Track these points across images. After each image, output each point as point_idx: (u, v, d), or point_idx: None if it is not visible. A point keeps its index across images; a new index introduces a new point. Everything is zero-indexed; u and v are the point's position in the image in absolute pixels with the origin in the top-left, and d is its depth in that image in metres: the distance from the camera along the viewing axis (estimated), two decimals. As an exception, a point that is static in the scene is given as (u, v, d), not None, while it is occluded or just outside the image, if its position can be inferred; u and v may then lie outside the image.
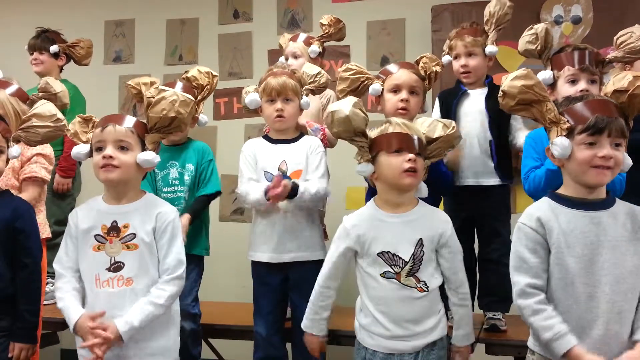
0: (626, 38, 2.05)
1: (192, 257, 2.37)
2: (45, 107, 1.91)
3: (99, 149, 1.83)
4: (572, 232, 1.57)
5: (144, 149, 1.86)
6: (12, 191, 2.09)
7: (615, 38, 2.09)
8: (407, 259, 1.79)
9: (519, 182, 2.15)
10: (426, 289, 1.80)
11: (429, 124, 1.87)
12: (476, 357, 2.26)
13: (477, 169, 2.37)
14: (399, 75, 2.23)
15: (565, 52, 2.08)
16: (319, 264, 2.28)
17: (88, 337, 1.74)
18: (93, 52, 3.32)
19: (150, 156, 1.84)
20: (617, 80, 1.62)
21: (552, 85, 2.09)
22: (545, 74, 2.07)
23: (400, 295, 1.79)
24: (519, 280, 1.60)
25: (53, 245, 2.60)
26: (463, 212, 2.37)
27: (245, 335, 2.47)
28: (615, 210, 1.60)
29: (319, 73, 2.42)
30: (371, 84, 2.27)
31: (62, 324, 2.49)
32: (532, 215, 1.63)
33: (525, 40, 2.19)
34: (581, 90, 1.98)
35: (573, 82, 2.03)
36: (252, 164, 2.30)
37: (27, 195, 2.26)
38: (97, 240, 1.84)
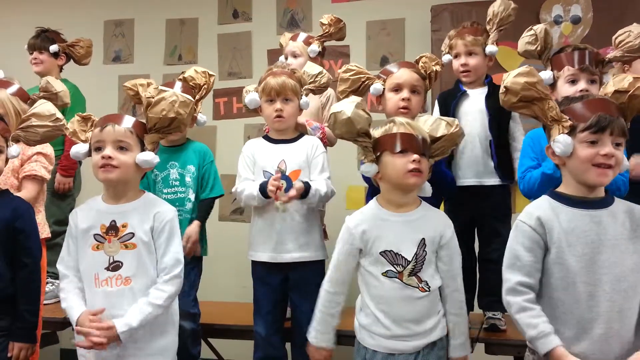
0: (625, 37, 2.05)
1: (192, 258, 2.38)
2: (44, 107, 1.92)
3: (98, 149, 1.83)
4: (573, 231, 1.58)
5: (143, 149, 1.86)
6: (12, 191, 2.09)
7: (613, 37, 2.09)
8: (409, 259, 1.79)
9: (519, 182, 2.16)
10: (428, 289, 1.80)
11: (432, 122, 1.87)
12: (476, 356, 2.26)
13: (478, 168, 2.37)
14: (400, 74, 2.23)
15: (565, 52, 2.09)
16: (319, 264, 2.30)
17: (88, 332, 1.74)
18: (93, 52, 3.32)
19: (149, 156, 1.85)
20: (617, 81, 1.63)
21: (552, 86, 2.09)
22: (545, 74, 2.07)
23: (402, 294, 1.79)
24: (510, 277, 1.61)
25: (53, 245, 2.61)
26: (463, 212, 2.36)
27: (245, 335, 2.47)
28: (614, 208, 1.61)
29: (319, 73, 2.42)
30: (372, 84, 2.27)
31: (62, 324, 2.50)
32: (532, 214, 1.63)
33: (524, 41, 2.19)
34: (581, 90, 1.98)
35: (573, 82, 2.04)
36: (250, 165, 2.30)
37: (25, 192, 2.26)
38: (96, 240, 1.84)
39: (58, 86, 2.18)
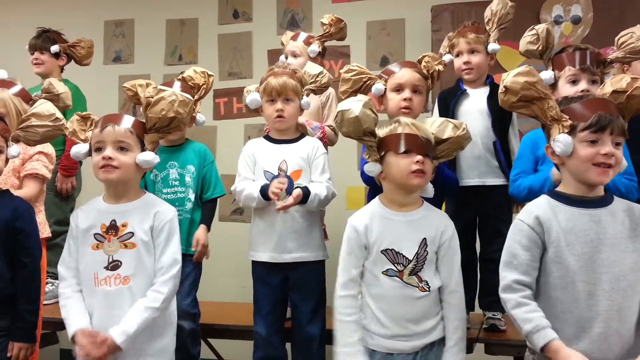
0: (627, 38, 2.05)
1: (192, 258, 2.38)
2: (44, 107, 1.92)
3: (99, 149, 1.83)
4: (572, 230, 1.58)
5: (143, 149, 1.86)
6: (12, 190, 2.09)
7: (616, 38, 2.09)
8: (410, 258, 1.79)
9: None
10: (428, 289, 1.79)
11: (439, 124, 1.85)
12: (475, 357, 2.26)
13: (480, 169, 2.37)
14: (402, 74, 2.23)
15: (566, 52, 2.09)
16: (319, 264, 2.30)
17: (85, 350, 1.74)
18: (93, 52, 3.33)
19: (149, 156, 1.85)
20: (615, 81, 1.63)
21: (553, 86, 2.10)
22: (546, 74, 2.07)
23: (402, 293, 1.78)
24: (506, 275, 1.62)
25: (53, 245, 2.61)
26: (467, 212, 2.37)
27: (244, 335, 2.47)
28: (613, 207, 1.61)
29: (320, 73, 2.41)
30: (373, 84, 2.27)
31: (62, 324, 2.47)
32: (530, 212, 1.63)
33: (526, 40, 2.19)
34: (582, 91, 1.99)
35: (574, 82, 2.04)
36: (250, 164, 2.30)
37: (26, 191, 2.26)
38: (96, 239, 1.84)
39: (60, 88, 2.18)
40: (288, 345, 2.35)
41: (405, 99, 2.20)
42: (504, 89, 1.66)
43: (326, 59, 3.22)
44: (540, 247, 1.60)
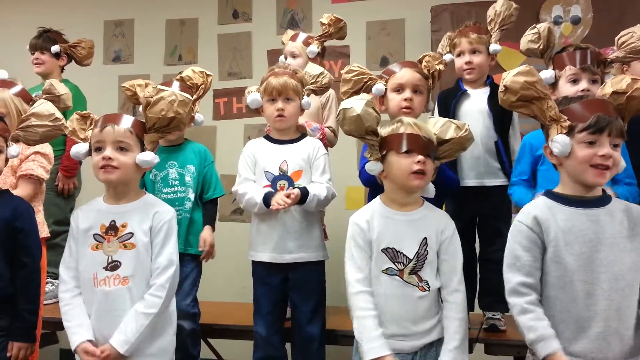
0: (628, 38, 2.05)
1: (192, 257, 2.38)
2: (43, 107, 1.91)
3: (98, 149, 1.83)
4: (570, 230, 1.58)
5: (142, 149, 1.86)
6: (12, 190, 2.09)
7: (616, 38, 2.09)
8: (411, 257, 1.79)
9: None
10: (427, 289, 1.79)
11: (442, 124, 1.85)
12: (475, 357, 2.26)
13: (479, 169, 2.37)
14: (402, 74, 2.23)
15: (567, 52, 2.09)
16: (319, 264, 2.30)
17: None
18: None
19: (149, 156, 1.85)
20: (615, 82, 1.63)
21: (554, 85, 2.10)
22: (547, 73, 2.08)
23: (402, 292, 1.78)
24: (511, 278, 1.62)
25: (52, 245, 2.61)
26: (465, 213, 2.37)
27: (244, 335, 2.47)
28: (611, 207, 1.62)
29: (321, 73, 2.41)
30: (374, 85, 2.27)
31: (62, 324, 2.48)
32: (528, 213, 1.63)
33: (527, 39, 2.19)
34: (582, 90, 1.99)
35: (574, 81, 2.04)
36: (250, 165, 2.30)
37: (20, 191, 2.25)
38: (96, 240, 1.84)
39: (61, 89, 2.18)
40: (288, 345, 2.35)
41: (406, 99, 2.19)
42: (503, 88, 1.66)
43: (326, 59, 3.22)
44: (540, 247, 1.61)
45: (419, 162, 1.76)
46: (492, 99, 2.35)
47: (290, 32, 3.02)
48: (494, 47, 2.42)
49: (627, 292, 1.56)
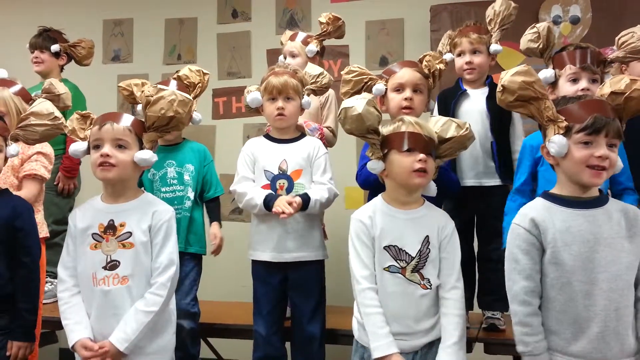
0: (628, 38, 2.05)
1: (192, 257, 2.39)
2: (42, 106, 1.91)
3: (97, 147, 1.83)
4: (568, 231, 1.58)
5: (141, 147, 1.86)
6: (11, 190, 2.09)
7: (616, 38, 2.09)
8: (413, 255, 1.79)
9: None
10: (429, 287, 1.80)
11: (443, 123, 1.86)
12: (475, 356, 2.26)
13: (478, 169, 2.37)
14: (402, 74, 2.23)
15: (567, 51, 2.09)
16: (319, 263, 2.30)
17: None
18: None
19: (147, 155, 1.84)
20: (613, 82, 1.63)
21: (554, 84, 2.10)
22: (547, 73, 2.08)
23: (404, 290, 1.79)
24: (512, 284, 1.63)
25: (51, 244, 2.61)
26: (463, 212, 2.36)
27: (244, 335, 2.47)
28: (609, 207, 1.62)
29: (321, 74, 2.41)
30: (374, 85, 2.27)
31: (61, 323, 2.49)
32: (526, 215, 1.64)
33: (527, 38, 2.19)
34: (582, 90, 1.99)
35: (574, 80, 2.04)
36: (249, 163, 2.30)
37: (25, 192, 2.25)
38: (94, 239, 1.84)
39: (61, 88, 2.18)
40: (288, 345, 2.35)
41: (406, 99, 2.19)
42: (501, 88, 1.66)
43: (325, 58, 3.22)
44: (539, 249, 1.61)
45: (420, 160, 1.76)
46: (491, 99, 2.35)
47: (288, 32, 3.02)
48: (495, 47, 2.42)
49: (626, 292, 1.57)
